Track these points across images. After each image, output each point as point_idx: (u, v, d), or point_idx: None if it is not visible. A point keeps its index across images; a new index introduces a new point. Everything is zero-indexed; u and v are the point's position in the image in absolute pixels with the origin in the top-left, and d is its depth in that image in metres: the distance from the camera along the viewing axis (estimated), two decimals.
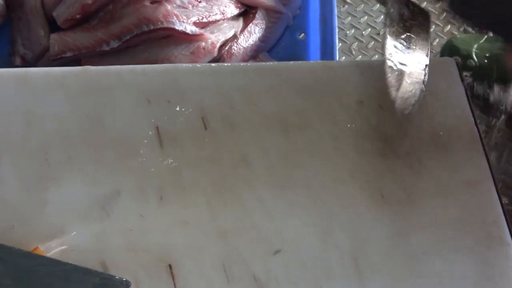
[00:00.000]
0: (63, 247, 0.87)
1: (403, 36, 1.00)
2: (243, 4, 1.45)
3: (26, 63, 1.38)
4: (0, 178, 0.92)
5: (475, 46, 1.46)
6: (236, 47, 1.39)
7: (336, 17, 1.49)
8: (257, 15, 1.44)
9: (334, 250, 0.89)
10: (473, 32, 1.59)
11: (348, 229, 0.91)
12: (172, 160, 0.94)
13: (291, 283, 0.86)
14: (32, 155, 0.94)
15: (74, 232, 0.89)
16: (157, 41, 1.34)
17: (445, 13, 1.64)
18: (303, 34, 1.53)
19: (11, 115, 0.97)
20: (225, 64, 1.08)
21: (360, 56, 1.56)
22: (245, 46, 1.40)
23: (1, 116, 0.97)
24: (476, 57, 1.44)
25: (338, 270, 0.88)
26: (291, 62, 1.08)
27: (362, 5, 1.71)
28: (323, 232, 0.90)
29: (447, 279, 0.88)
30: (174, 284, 0.86)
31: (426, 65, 0.99)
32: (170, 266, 0.87)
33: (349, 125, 0.99)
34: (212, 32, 1.37)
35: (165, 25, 1.30)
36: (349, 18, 1.68)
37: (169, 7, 1.32)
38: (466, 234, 0.91)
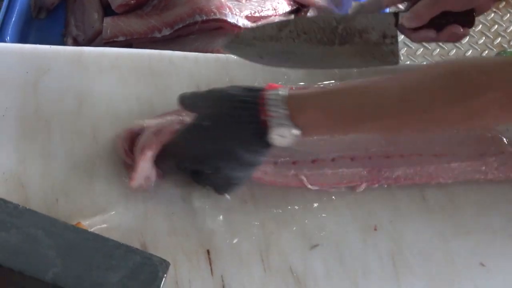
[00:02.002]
0: (105, 225, 0.89)
1: None
2: (295, 2, 1.45)
3: (78, 45, 1.40)
4: (51, 153, 0.94)
5: None
6: None
7: None
8: (308, 14, 1.44)
9: (373, 249, 0.89)
10: None
11: (388, 229, 0.91)
12: None
13: (327, 277, 0.87)
14: (82, 133, 0.96)
15: (117, 211, 0.90)
16: (208, 32, 1.36)
17: (496, 25, 1.63)
18: None
19: (65, 92, 0.99)
20: None
21: (408, 62, 1.55)
22: None
23: (55, 93, 0.99)
24: None
25: (375, 269, 0.88)
26: None
27: None
28: (363, 230, 0.91)
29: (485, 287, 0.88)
30: (211, 269, 0.87)
31: None
32: (208, 251, 0.88)
33: None
34: None
35: (218, 16, 1.31)
36: None
37: None
38: (508, 243, 0.91)
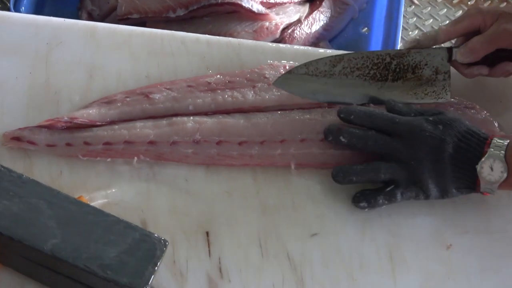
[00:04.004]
0: (107, 200, 0.90)
1: None
2: None
3: (92, 20, 1.40)
4: None
5: None
6: (299, 31, 1.39)
7: (402, 16, 1.49)
8: (323, 3, 1.44)
9: (371, 242, 0.90)
10: None
11: (387, 223, 0.91)
12: None
13: (324, 267, 0.87)
14: None
15: (120, 187, 0.91)
16: (223, 15, 1.36)
17: None
18: (366, 28, 1.53)
19: (76, 66, 0.99)
20: (288, 46, 1.09)
21: None
22: (307, 32, 1.40)
23: (66, 66, 0.99)
24: None
25: (372, 262, 0.88)
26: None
27: (429, 7, 1.70)
28: (363, 223, 0.91)
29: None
30: (209, 250, 0.87)
31: None
32: (207, 233, 0.88)
33: None
34: (277, 14, 1.38)
35: (233, 0, 1.31)
36: (415, 18, 1.68)
37: None
38: (505, 245, 0.91)
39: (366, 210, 0.91)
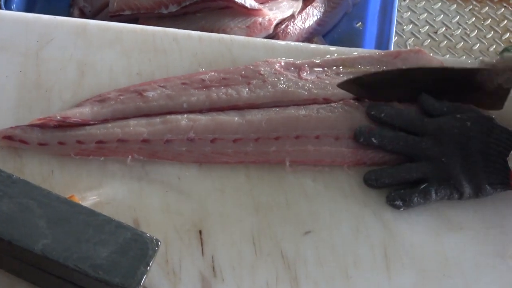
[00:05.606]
0: (99, 199, 0.89)
1: None
2: None
3: (84, 16, 1.40)
4: None
5: None
6: (292, 27, 1.39)
7: (396, 10, 1.48)
8: None
9: (365, 239, 0.89)
10: None
11: (382, 220, 0.91)
12: None
13: (318, 265, 0.87)
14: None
15: (112, 186, 0.90)
16: (215, 11, 1.35)
17: (505, 21, 1.62)
18: (360, 23, 1.52)
19: (67, 63, 0.99)
20: (280, 42, 1.08)
21: None
22: (301, 27, 1.40)
23: (57, 63, 0.98)
24: None
25: (366, 259, 0.88)
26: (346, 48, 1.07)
27: (424, 1, 1.70)
28: (357, 220, 0.90)
29: (474, 284, 0.88)
30: (202, 249, 0.87)
31: None
32: (200, 231, 0.88)
33: None
34: (270, 9, 1.37)
35: None
36: (409, 13, 1.67)
37: None
38: (501, 241, 0.91)
39: (402, 209, 0.91)
